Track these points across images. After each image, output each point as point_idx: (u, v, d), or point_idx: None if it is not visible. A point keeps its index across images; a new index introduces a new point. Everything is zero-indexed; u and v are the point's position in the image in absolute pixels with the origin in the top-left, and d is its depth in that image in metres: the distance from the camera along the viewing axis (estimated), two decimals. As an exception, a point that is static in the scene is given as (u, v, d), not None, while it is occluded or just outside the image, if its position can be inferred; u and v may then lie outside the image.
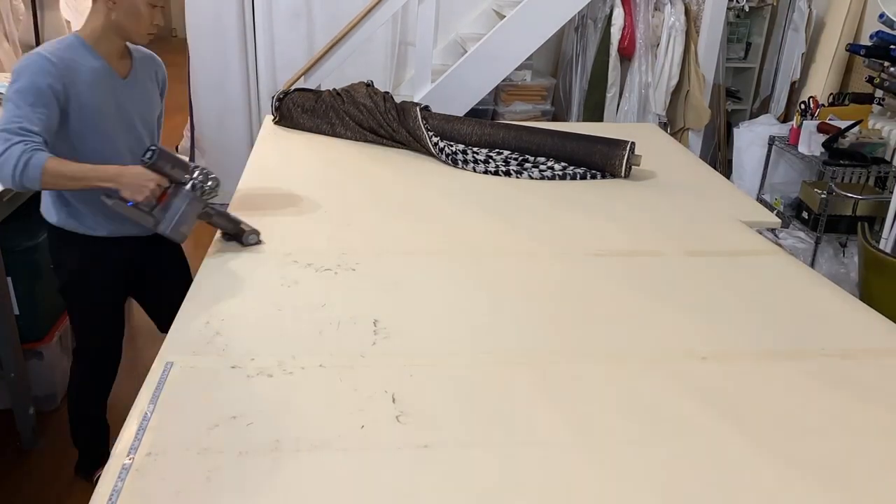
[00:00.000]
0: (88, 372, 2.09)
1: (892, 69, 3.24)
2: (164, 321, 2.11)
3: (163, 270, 2.09)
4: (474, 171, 2.35)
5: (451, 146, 2.39)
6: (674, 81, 3.92)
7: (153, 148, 1.59)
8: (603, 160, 2.32)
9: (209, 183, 1.62)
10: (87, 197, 1.83)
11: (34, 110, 1.63)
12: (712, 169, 2.58)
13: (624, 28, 3.89)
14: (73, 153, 1.72)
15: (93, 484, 1.50)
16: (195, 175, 1.62)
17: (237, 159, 3.99)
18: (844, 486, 1.08)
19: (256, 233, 1.73)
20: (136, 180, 1.58)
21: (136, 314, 2.97)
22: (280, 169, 2.32)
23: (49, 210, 1.89)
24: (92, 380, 2.10)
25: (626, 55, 3.95)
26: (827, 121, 3.40)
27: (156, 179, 1.59)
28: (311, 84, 3.53)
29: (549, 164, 2.33)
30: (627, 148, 2.30)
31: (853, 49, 3.50)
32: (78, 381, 2.10)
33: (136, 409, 1.17)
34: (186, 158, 4.46)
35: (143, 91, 1.90)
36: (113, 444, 1.10)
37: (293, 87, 2.88)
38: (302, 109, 2.62)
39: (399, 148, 2.51)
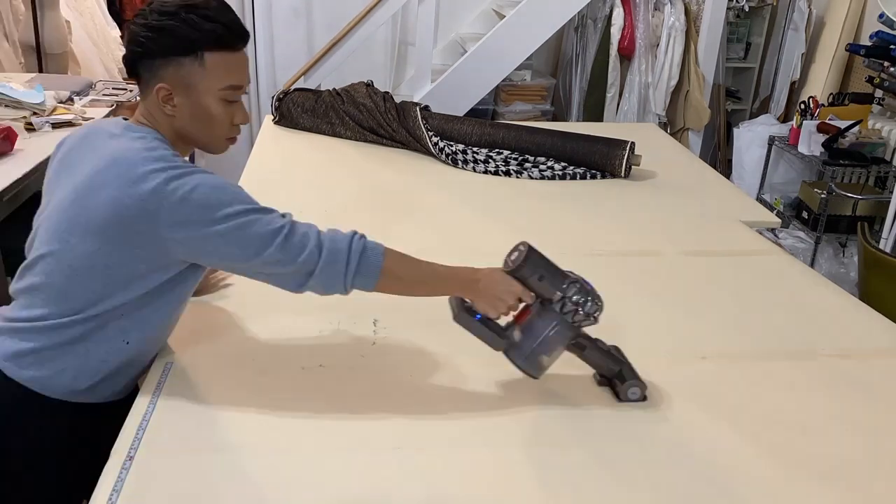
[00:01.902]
0: None
1: (891, 69, 3.24)
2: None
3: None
4: (474, 170, 2.35)
5: (451, 146, 2.39)
6: (674, 81, 3.92)
7: (521, 248, 1.21)
8: (603, 160, 2.32)
9: (588, 305, 1.20)
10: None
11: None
12: (712, 169, 2.58)
13: (624, 28, 3.88)
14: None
15: None
16: (569, 292, 1.20)
17: (237, 159, 3.98)
18: (844, 486, 1.08)
19: (642, 385, 1.24)
20: (494, 290, 1.19)
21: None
22: (280, 169, 2.32)
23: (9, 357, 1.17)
24: None
25: (626, 55, 3.95)
26: (827, 121, 3.39)
27: (517, 292, 1.19)
28: (310, 84, 3.53)
29: (549, 163, 2.33)
30: (627, 148, 2.30)
31: (853, 49, 3.50)
32: None
33: (136, 409, 1.16)
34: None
35: None
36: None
37: (293, 87, 2.88)
38: (302, 109, 2.63)
39: (399, 148, 2.51)
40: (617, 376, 1.26)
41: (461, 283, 1.22)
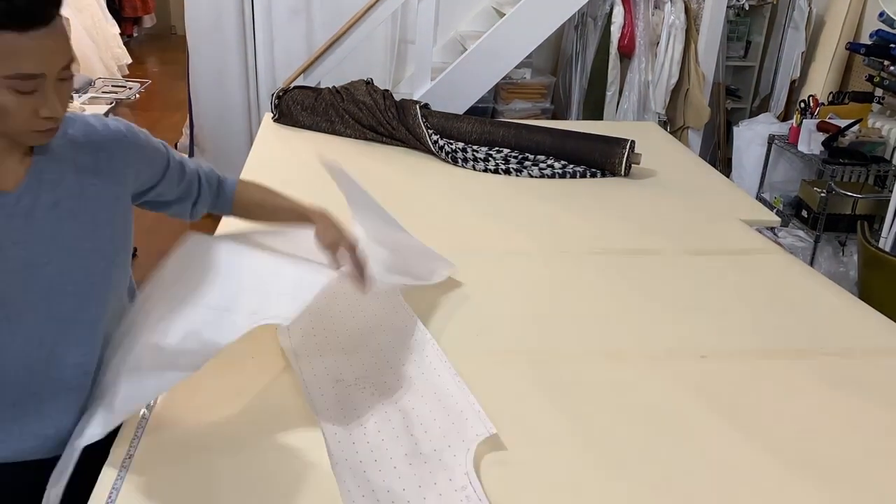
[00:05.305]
0: None
1: (892, 68, 3.23)
2: None
3: None
4: (474, 169, 2.35)
5: (451, 144, 2.39)
6: (674, 80, 3.91)
7: None
8: (603, 158, 2.31)
9: None
10: None
11: None
12: (712, 167, 2.58)
13: (624, 26, 3.88)
14: None
15: None
16: None
17: (237, 157, 3.99)
18: (844, 486, 1.08)
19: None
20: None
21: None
22: (279, 167, 2.32)
23: None
24: None
25: (626, 53, 3.95)
26: (827, 119, 3.39)
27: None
28: (310, 82, 3.52)
29: (549, 162, 2.33)
30: (627, 146, 2.30)
31: (853, 48, 3.50)
32: None
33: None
34: (186, 155, 4.43)
35: (59, 212, 1.05)
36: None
37: (292, 85, 2.88)
38: (301, 107, 2.62)
39: (399, 146, 2.51)
40: None
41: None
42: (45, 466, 1.06)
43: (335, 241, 1.28)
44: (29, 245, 1.03)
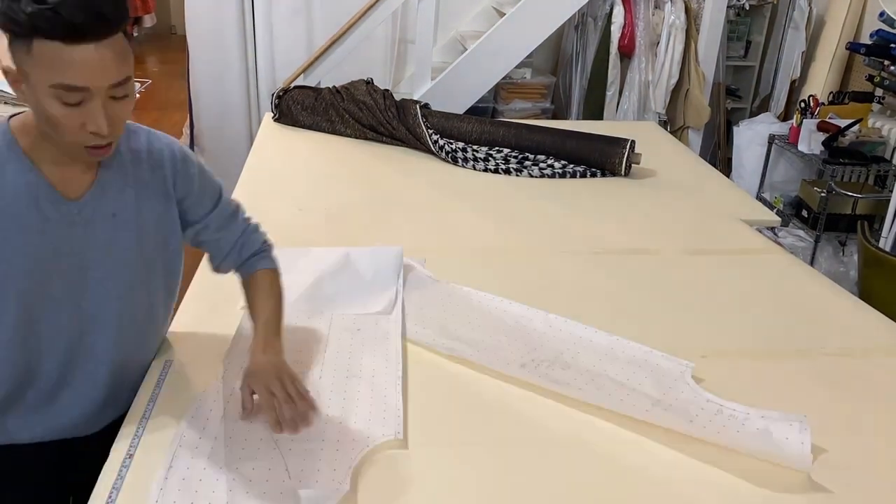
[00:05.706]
0: None
1: (892, 68, 3.24)
2: None
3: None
4: (474, 168, 2.35)
5: (451, 144, 2.39)
6: (674, 80, 3.91)
7: None
8: (603, 158, 2.31)
9: None
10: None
11: None
12: (712, 167, 2.58)
13: (624, 26, 3.88)
14: None
15: None
16: None
17: (237, 156, 3.99)
18: (844, 486, 1.08)
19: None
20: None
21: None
22: (280, 166, 2.32)
23: None
24: None
25: (626, 53, 3.95)
26: (827, 119, 3.39)
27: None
28: (310, 81, 3.52)
29: (549, 162, 2.33)
30: (627, 146, 2.30)
31: (853, 47, 3.50)
32: None
33: (135, 407, 1.17)
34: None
35: (115, 222, 1.10)
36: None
37: (293, 85, 2.88)
38: (301, 107, 2.62)
39: (399, 146, 2.51)
40: None
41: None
42: (67, 446, 1.19)
43: (257, 384, 1.13)
44: (84, 252, 1.09)
